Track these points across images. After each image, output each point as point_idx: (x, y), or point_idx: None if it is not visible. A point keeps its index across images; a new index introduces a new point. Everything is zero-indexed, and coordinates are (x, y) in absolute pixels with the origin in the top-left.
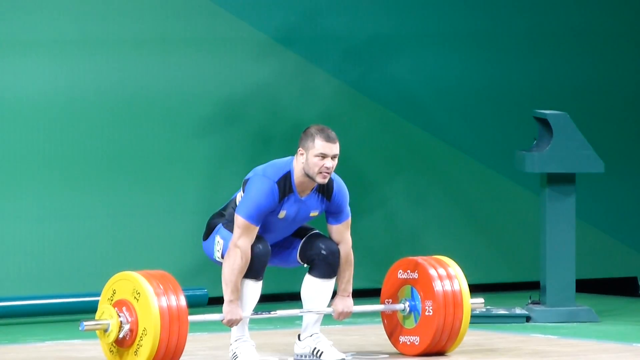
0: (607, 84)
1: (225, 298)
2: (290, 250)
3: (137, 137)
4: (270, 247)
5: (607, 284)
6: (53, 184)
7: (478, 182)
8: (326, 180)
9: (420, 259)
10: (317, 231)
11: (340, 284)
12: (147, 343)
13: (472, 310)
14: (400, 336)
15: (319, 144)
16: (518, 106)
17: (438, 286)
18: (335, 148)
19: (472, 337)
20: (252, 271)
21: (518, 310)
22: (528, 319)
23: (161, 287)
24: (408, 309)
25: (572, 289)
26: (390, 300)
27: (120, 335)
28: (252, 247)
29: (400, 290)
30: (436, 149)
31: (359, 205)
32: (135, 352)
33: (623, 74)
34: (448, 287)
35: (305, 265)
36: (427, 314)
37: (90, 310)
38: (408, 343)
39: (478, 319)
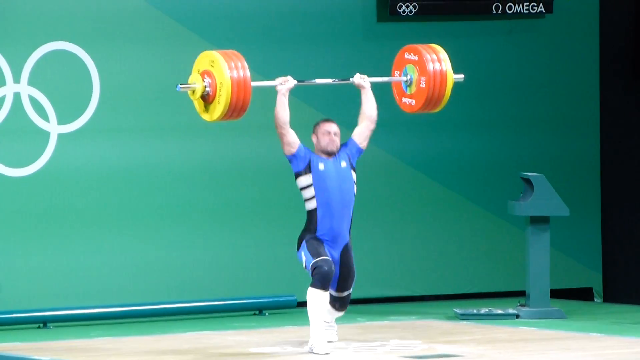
0: (570, 154)
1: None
2: (334, 285)
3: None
4: (334, 269)
5: (571, 292)
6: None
7: (483, 222)
8: (335, 149)
9: (420, 47)
10: (349, 292)
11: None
12: (223, 97)
13: (455, 82)
14: (403, 98)
15: (323, 125)
16: (511, 170)
17: (430, 66)
18: (334, 126)
19: (478, 329)
20: (322, 284)
21: (511, 310)
22: (517, 316)
23: (232, 62)
24: (409, 80)
25: (548, 295)
26: (398, 72)
27: (205, 93)
28: (321, 266)
29: (406, 67)
30: (454, 201)
31: (381, 229)
32: (217, 103)
33: (581, 146)
34: (437, 67)
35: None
36: (421, 85)
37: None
38: (407, 103)
39: (483, 317)
